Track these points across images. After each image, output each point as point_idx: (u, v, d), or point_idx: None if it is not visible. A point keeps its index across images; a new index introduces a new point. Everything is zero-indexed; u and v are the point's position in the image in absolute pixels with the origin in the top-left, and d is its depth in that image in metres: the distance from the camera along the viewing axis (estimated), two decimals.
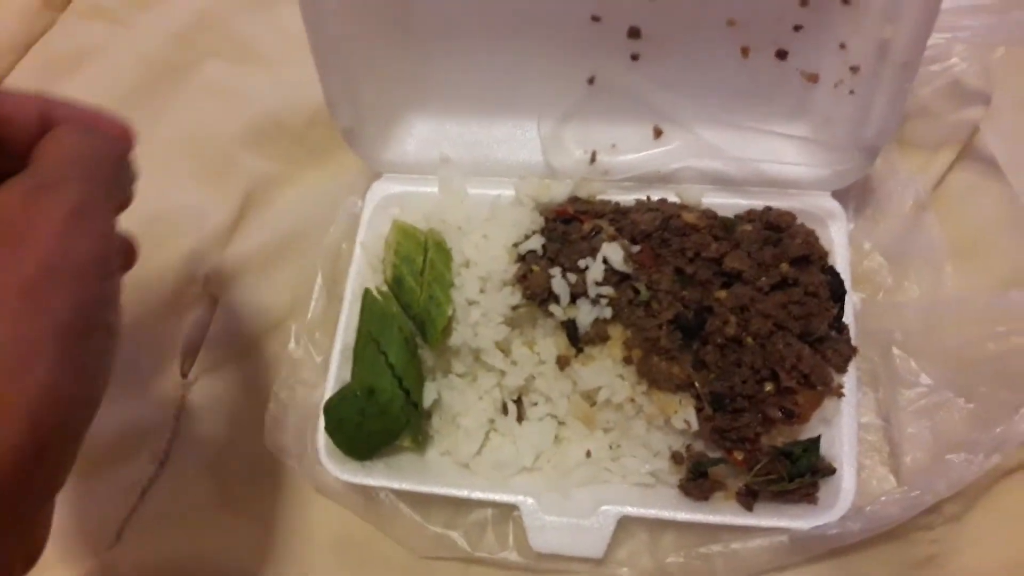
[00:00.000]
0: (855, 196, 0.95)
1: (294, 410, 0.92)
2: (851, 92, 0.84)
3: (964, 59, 0.99)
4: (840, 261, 0.89)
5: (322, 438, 0.86)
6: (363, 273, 0.94)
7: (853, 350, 0.84)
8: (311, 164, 1.08)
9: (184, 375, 0.99)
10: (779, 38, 0.85)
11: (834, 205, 0.91)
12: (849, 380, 0.83)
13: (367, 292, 0.89)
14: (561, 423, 0.87)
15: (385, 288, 0.90)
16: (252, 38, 1.15)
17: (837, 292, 0.86)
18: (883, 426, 0.87)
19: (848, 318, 0.85)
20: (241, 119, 1.08)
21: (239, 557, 0.91)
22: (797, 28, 0.84)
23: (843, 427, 0.82)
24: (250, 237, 1.04)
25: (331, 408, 0.85)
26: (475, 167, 0.97)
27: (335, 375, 0.90)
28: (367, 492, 0.88)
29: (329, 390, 0.89)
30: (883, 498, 0.78)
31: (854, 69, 0.83)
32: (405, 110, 0.97)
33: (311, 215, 1.03)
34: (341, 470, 0.85)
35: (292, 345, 0.97)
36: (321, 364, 0.94)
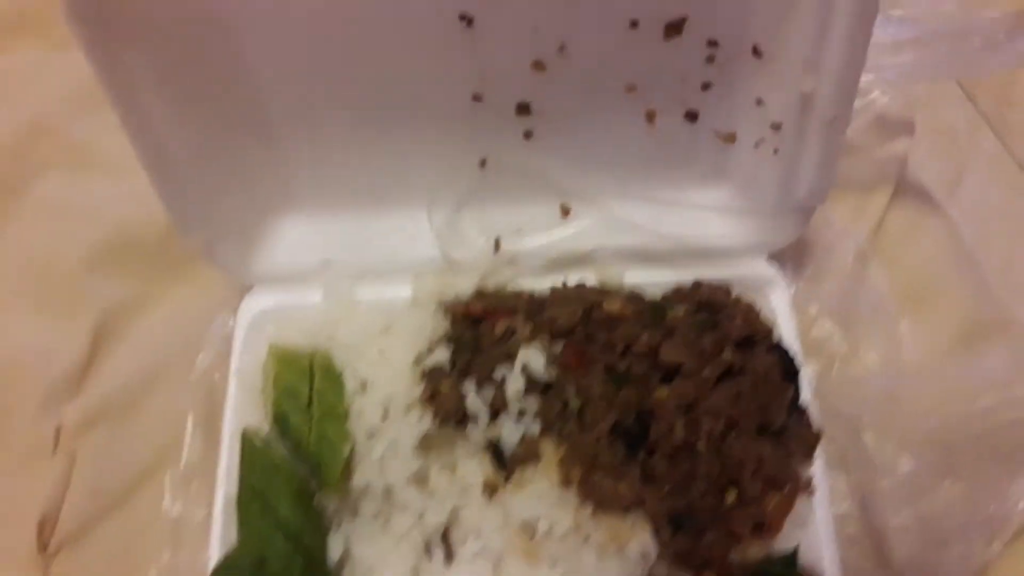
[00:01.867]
0: (791, 255, 0.86)
1: None
2: (775, 151, 0.75)
3: (885, 92, 0.93)
4: (787, 333, 0.79)
5: None
6: (242, 409, 0.79)
7: (817, 434, 0.74)
8: (172, 281, 0.93)
9: (43, 548, 0.82)
10: (687, 98, 0.76)
11: (771, 271, 0.82)
12: (817, 471, 0.73)
13: (244, 436, 0.74)
14: (497, 562, 0.74)
15: (268, 428, 0.76)
16: (92, 144, 0.99)
17: (789, 371, 0.75)
18: (860, 515, 0.77)
19: (806, 397, 0.75)
20: (86, 237, 0.92)
21: None
22: (706, 86, 0.75)
23: (819, 527, 0.72)
24: (106, 375, 0.88)
25: None
26: (362, 268, 0.83)
27: (219, 537, 0.74)
28: None
29: (214, 556, 0.73)
30: None
31: (776, 127, 0.74)
32: (271, 212, 0.84)
33: (176, 341, 0.88)
34: None
35: (167, 501, 0.82)
36: (203, 520, 0.79)
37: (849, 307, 0.85)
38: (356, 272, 0.83)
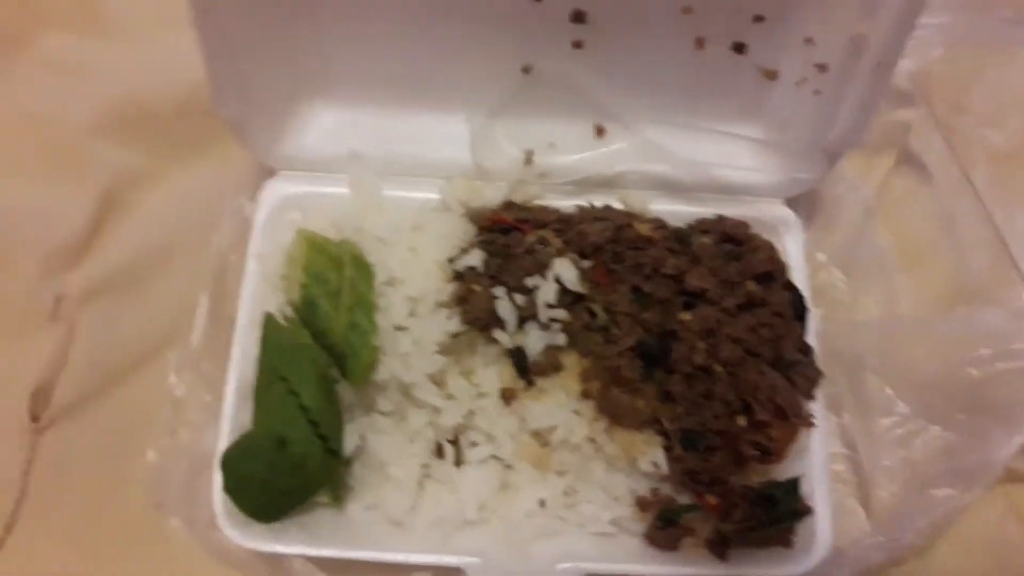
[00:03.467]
0: (804, 203, 0.89)
1: (180, 460, 0.76)
2: (816, 92, 0.77)
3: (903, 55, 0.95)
4: (798, 276, 0.82)
5: (219, 497, 0.71)
6: (260, 292, 0.78)
7: (820, 374, 0.77)
8: (185, 158, 0.90)
9: (34, 419, 0.80)
10: (738, 29, 0.77)
11: (788, 214, 0.85)
12: (817, 408, 0.77)
13: (269, 318, 0.74)
14: (507, 466, 0.76)
15: (291, 312, 0.75)
16: (103, 3, 0.94)
17: (799, 311, 0.79)
18: (849, 455, 0.82)
19: (811, 339, 0.79)
20: (94, 101, 0.88)
21: None
22: (758, 19, 0.76)
23: (815, 461, 0.75)
24: (112, 246, 0.85)
25: (231, 462, 0.69)
26: (391, 165, 0.82)
27: (231, 419, 0.74)
28: (278, 561, 0.74)
29: (224, 438, 0.73)
30: (867, 542, 0.73)
31: (821, 67, 0.75)
32: (307, 96, 0.82)
33: (189, 219, 0.86)
34: (245, 535, 0.71)
35: (173, 379, 0.80)
36: (212, 402, 0.78)
37: (853, 258, 0.88)
38: (384, 168, 0.82)
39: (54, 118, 0.88)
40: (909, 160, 0.98)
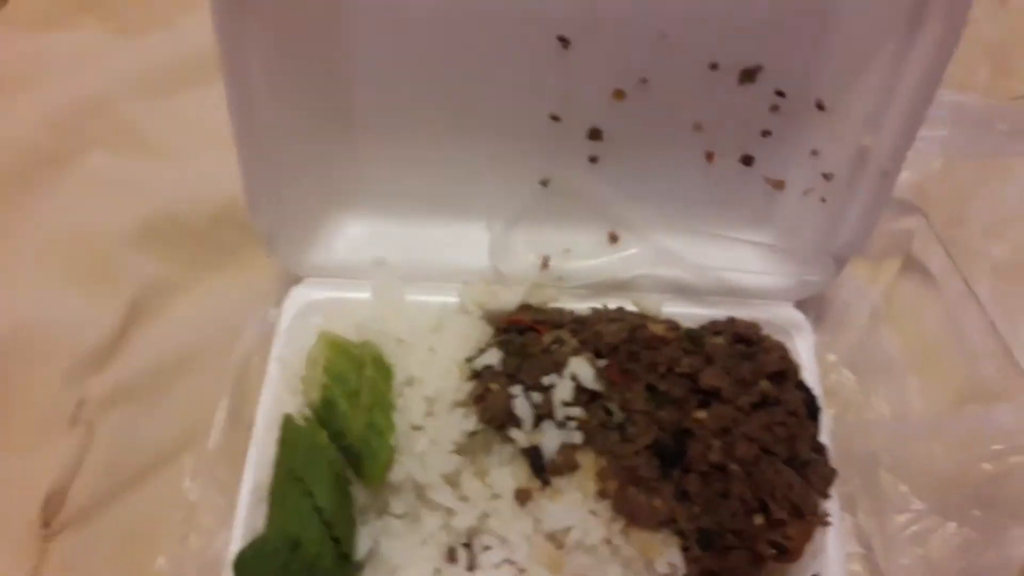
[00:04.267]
0: (813, 306, 0.91)
1: (190, 567, 0.75)
2: (822, 200, 0.81)
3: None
4: (810, 376, 0.83)
5: None
6: (279, 395, 0.80)
7: (834, 472, 0.77)
8: (213, 267, 0.94)
9: (46, 524, 0.79)
10: (746, 143, 0.81)
11: (799, 316, 0.87)
12: (832, 507, 0.76)
13: (288, 419, 0.74)
14: (521, 571, 0.74)
15: (309, 414, 0.76)
16: (145, 127, 1.01)
17: (812, 410, 0.79)
18: (865, 555, 0.80)
19: (824, 438, 0.79)
20: (131, 215, 0.92)
21: None
22: (765, 134, 0.80)
23: (831, 561, 0.74)
24: (138, 352, 0.87)
25: (244, 565, 0.68)
26: (413, 271, 0.86)
27: (244, 521, 0.74)
28: None
29: (237, 541, 0.73)
30: None
31: (827, 176, 0.79)
32: (336, 209, 0.86)
33: (213, 327, 0.88)
34: None
35: (188, 483, 0.80)
36: (225, 507, 0.78)
37: (863, 360, 0.89)
38: (407, 273, 0.85)
39: (90, 230, 0.92)
40: (914, 266, 1.01)
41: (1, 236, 0.93)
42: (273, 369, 0.81)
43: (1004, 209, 1.04)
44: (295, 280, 0.87)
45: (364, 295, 0.85)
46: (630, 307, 0.86)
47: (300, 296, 0.85)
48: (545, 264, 0.86)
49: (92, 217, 0.93)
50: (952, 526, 0.75)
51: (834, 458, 0.78)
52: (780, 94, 0.77)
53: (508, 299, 0.84)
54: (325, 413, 0.74)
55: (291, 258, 0.84)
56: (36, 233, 0.92)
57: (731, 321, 0.84)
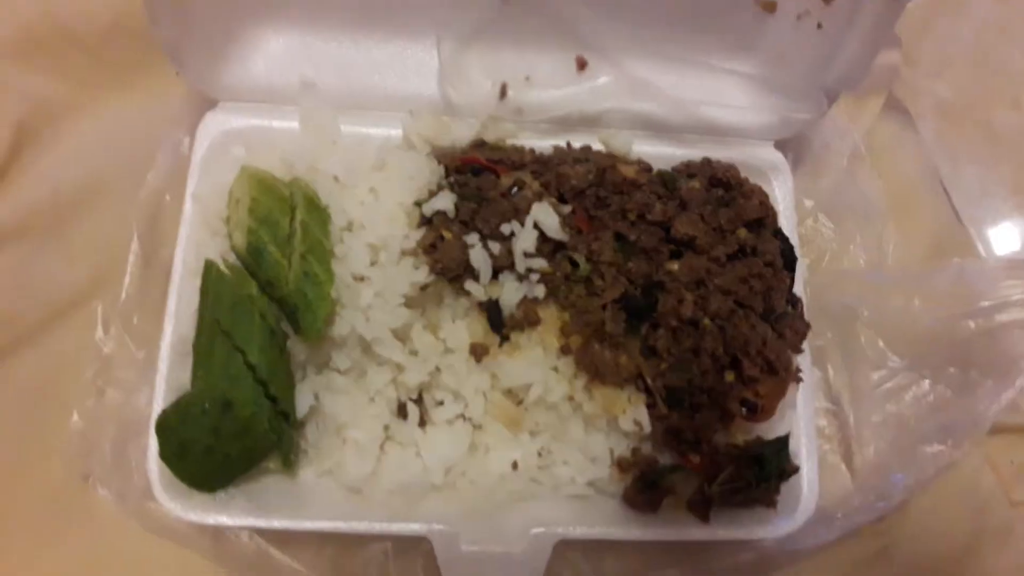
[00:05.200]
0: (792, 147, 0.84)
1: (108, 425, 0.68)
2: (818, 26, 0.71)
3: None
4: (787, 223, 0.77)
5: (155, 465, 0.64)
6: (198, 237, 0.70)
7: (808, 326, 0.73)
8: (110, 85, 0.81)
9: None
10: None
11: (778, 157, 0.80)
12: (804, 361, 0.72)
13: (210, 266, 0.66)
14: (477, 427, 0.70)
15: (234, 260, 0.67)
16: None
17: (789, 260, 0.74)
18: (833, 410, 0.78)
19: (799, 289, 0.74)
20: (9, 23, 0.77)
21: None
22: None
23: (801, 418, 0.72)
24: (32, 183, 0.76)
25: (168, 427, 0.62)
26: (348, 97, 0.75)
27: (166, 378, 0.67)
28: (222, 534, 0.67)
29: (160, 399, 0.66)
30: (855, 503, 0.69)
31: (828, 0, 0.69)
32: (254, 18, 0.73)
33: (115, 155, 0.78)
34: (184, 507, 0.64)
35: (100, 334, 0.72)
36: (144, 360, 0.71)
37: (840, 205, 0.84)
38: (341, 100, 0.74)
39: None
40: (895, 105, 0.94)
41: None
42: (189, 207, 0.71)
43: (953, 48, 0.96)
44: (208, 104, 0.75)
45: (290, 124, 0.74)
46: (597, 145, 0.77)
47: (215, 122, 0.74)
48: (503, 93, 0.75)
49: None
50: (926, 383, 0.73)
51: (807, 310, 0.74)
52: None
53: (460, 133, 0.75)
54: (253, 260, 0.66)
55: (202, 76, 0.72)
56: None
57: (707, 163, 0.77)
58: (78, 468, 0.68)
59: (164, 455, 0.62)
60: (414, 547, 0.69)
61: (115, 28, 0.79)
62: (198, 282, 0.66)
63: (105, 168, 0.77)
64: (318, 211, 0.68)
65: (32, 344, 0.73)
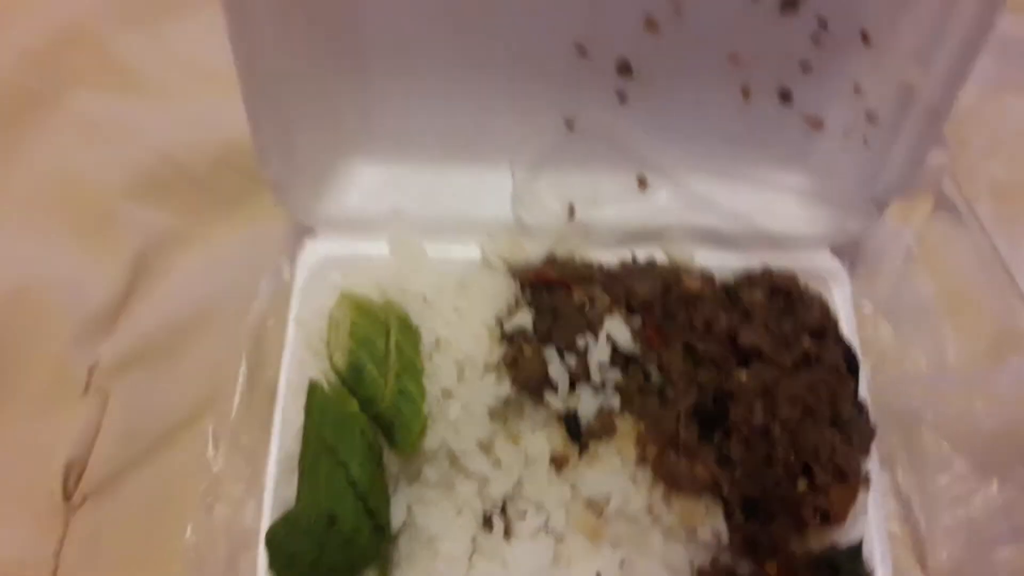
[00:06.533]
0: (847, 252, 0.87)
1: (219, 538, 0.73)
2: (864, 141, 0.76)
3: None
4: (847, 328, 0.80)
5: None
6: (301, 359, 0.76)
7: (874, 431, 0.75)
8: (217, 217, 0.88)
9: (67, 496, 0.76)
10: (785, 78, 0.76)
11: (835, 264, 0.83)
12: (872, 465, 0.74)
13: (314, 386, 0.71)
14: (559, 539, 0.72)
15: (335, 379, 0.73)
16: (133, 62, 0.93)
17: (852, 365, 0.77)
18: (903, 514, 0.79)
19: (863, 394, 0.77)
20: (127, 162, 0.86)
21: None
22: (806, 68, 0.75)
23: (872, 523, 0.73)
24: (147, 313, 0.83)
25: (277, 540, 0.66)
26: (432, 223, 0.81)
27: (273, 492, 0.71)
28: None
29: (268, 513, 0.71)
30: None
31: (871, 116, 0.74)
32: (348, 154, 0.80)
33: (224, 282, 0.84)
34: None
35: (210, 452, 0.77)
36: (251, 476, 0.75)
37: (898, 308, 0.86)
38: (426, 225, 0.81)
39: (84, 179, 0.86)
40: (945, 205, 0.97)
41: None
42: (292, 331, 0.77)
43: (1003, 125, 0.99)
44: (306, 230, 0.81)
45: (381, 249, 0.80)
46: (659, 256, 0.82)
47: (314, 251, 0.80)
48: (572, 213, 0.81)
49: (85, 164, 0.86)
50: (995, 486, 0.74)
51: (872, 414, 0.76)
52: (823, 24, 0.71)
53: (533, 251, 0.80)
54: (353, 379, 0.71)
55: (302, 208, 0.79)
56: (25, 183, 0.85)
57: (768, 272, 0.80)
58: None
59: (273, 567, 0.66)
60: None
61: (221, 163, 0.87)
62: (301, 401, 0.71)
63: (214, 295, 0.83)
64: (410, 331, 0.74)
65: (150, 461, 0.78)
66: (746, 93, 0.77)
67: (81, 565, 0.75)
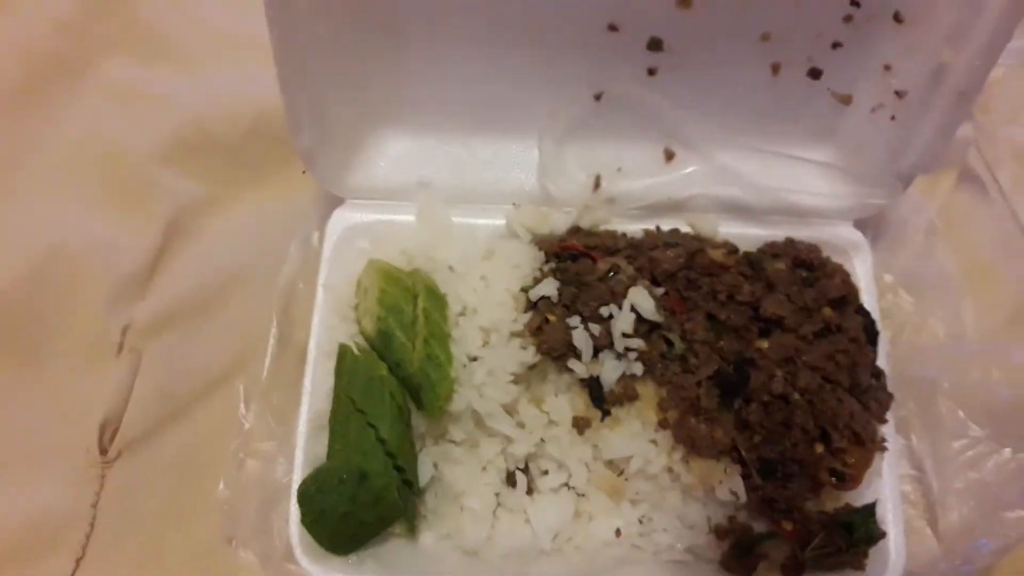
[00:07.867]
0: (870, 224, 0.88)
1: (251, 493, 0.76)
2: (892, 118, 0.76)
3: None
4: (868, 299, 0.81)
5: (296, 529, 0.71)
6: (330, 323, 0.78)
7: (891, 397, 0.77)
8: (250, 184, 0.90)
9: (103, 451, 0.79)
10: (815, 55, 0.76)
11: (858, 236, 0.84)
12: (888, 430, 0.76)
13: (346, 350, 0.73)
14: (581, 495, 0.75)
15: (364, 343, 0.75)
16: (162, 28, 0.94)
17: (872, 335, 0.78)
18: (917, 477, 0.81)
19: (882, 362, 0.78)
20: (158, 129, 0.88)
21: None
22: (836, 45, 0.75)
23: (886, 485, 0.75)
24: (179, 276, 0.85)
25: (309, 495, 0.69)
26: (459, 193, 0.82)
27: (304, 450, 0.74)
28: None
29: (299, 470, 0.73)
30: (941, 567, 0.72)
31: (900, 93, 0.75)
32: (377, 126, 0.82)
33: (253, 248, 0.86)
34: (323, 569, 0.71)
35: (242, 410, 0.80)
36: (283, 434, 0.78)
37: (919, 279, 0.87)
38: (452, 195, 0.82)
39: (118, 145, 0.88)
40: (970, 178, 0.97)
41: (23, 151, 0.88)
42: (321, 295, 0.79)
43: None
44: (335, 199, 0.83)
45: (408, 218, 0.82)
46: (684, 228, 0.83)
47: (343, 219, 0.82)
48: (597, 184, 0.82)
49: (118, 131, 0.88)
50: (1008, 452, 0.76)
51: (890, 381, 0.78)
52: (855, 3, 0.71)
53: (558, 222, 0.81)
54: (382, 344, 0.73)
55: (332, 178, 0.81)
56: (60, 149, 0.88)
57: (791, 243, 0.82)
58: (224, 531, 0.75)
59: (305, 522, 0.69)
60: None
61: (253, 132, 0.89)
62: (331, 363, 0.74)
63: (244, 259, 0.86)
64: (437, 298, 0.75)
65: (183, 418, 0.81)
66: (776, 69, 0.77)
67: (118, 517, 0.78)
